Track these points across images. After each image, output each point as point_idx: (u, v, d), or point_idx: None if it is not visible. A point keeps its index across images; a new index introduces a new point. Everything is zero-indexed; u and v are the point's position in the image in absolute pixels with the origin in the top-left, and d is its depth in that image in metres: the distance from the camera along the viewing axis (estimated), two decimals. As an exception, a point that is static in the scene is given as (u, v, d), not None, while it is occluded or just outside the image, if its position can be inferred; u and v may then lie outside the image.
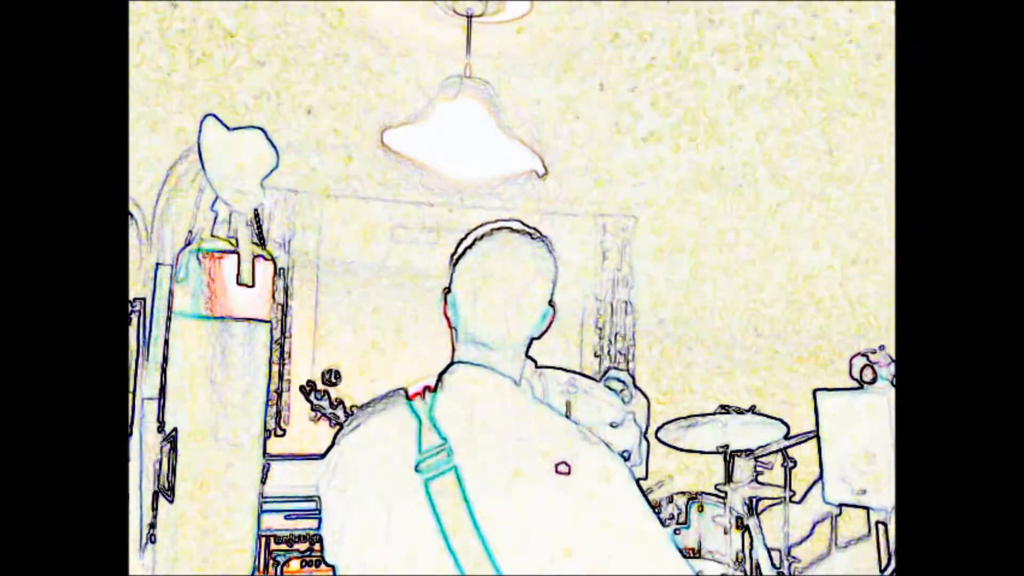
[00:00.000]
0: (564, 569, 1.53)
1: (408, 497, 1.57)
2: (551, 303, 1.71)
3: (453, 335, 1.72)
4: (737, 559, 3.44)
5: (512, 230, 1.71)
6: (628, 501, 1.59)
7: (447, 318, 1.72)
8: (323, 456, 1.71)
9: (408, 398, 1.68)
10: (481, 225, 1.73)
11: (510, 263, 1.68)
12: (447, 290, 1.71)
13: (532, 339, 1.71)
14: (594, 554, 1.54)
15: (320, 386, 3.36)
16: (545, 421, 1.66)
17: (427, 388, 1.69)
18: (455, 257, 1.72)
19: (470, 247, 1.71)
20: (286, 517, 3.47)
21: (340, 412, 3.32)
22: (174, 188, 3.36)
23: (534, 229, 1.73)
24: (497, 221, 1.73)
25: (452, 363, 1.70)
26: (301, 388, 3.37)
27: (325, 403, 3.31)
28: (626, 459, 2.45)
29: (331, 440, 1.72)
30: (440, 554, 1.53)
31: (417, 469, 1.58)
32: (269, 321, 2.12)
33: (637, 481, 1.62)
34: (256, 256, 2.09)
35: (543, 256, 1.70)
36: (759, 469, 3.52)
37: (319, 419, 3.32)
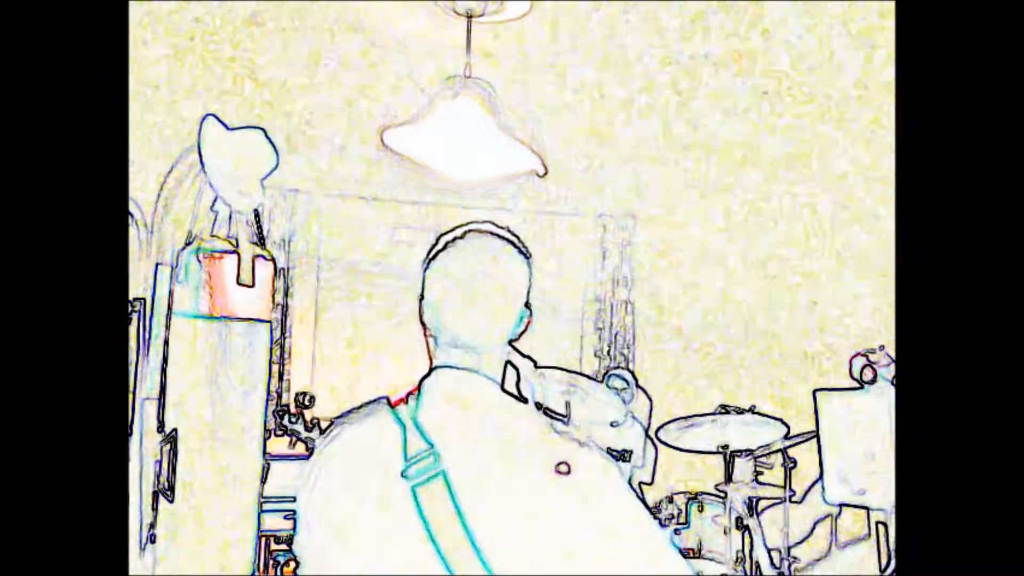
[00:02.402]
0: (557, 571, 1.52)
1: (395, 505, 1.54)
2: (527, 305, 1.68)
3: (431, 343, 1.69)
4: (737, 559, 3.44)
5: (481, 232, 1.70)
6: (621, 502, 1.58)
7: (423, 325, 1.70)
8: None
9: (391, 405, 1.65)
10: (450, 230, 1.71)
11: (483, 265, 1.65)
12: (422, 297, 1.69)
13: (511, 342, 1.68)
14: (588, 556, 1.53)
15: (293, 408, 3.24)
16: (532, 423, 1.64)
17: (409, 394, 1.66)
18: (426, 262, 1.71)
19: (442, 250, 1.69)
20: (286, 517, 3.45)
21: (315, 435, 3.19)
22: (174, 188, 3.36)
23: (505, 229, 1.70)
24: (470, 224, 1.71)
25: (433, 368, 1.68)
26: (274, 413, 3.25)
27: (300, 426, 3.19)
28: (627, 459, 2.44)
29: (308, 452, 1.68)
30: (431, 560, 1.51)
31: (404, 475, 1.56)
32: (269, 321, 2.11)
33: (639, 484, 1.61)
34: (256, 256, 2.08)
35: (515, 257, 1.68)
36: (759, 469, 3.52)
37: (294, 444, 3.21)
